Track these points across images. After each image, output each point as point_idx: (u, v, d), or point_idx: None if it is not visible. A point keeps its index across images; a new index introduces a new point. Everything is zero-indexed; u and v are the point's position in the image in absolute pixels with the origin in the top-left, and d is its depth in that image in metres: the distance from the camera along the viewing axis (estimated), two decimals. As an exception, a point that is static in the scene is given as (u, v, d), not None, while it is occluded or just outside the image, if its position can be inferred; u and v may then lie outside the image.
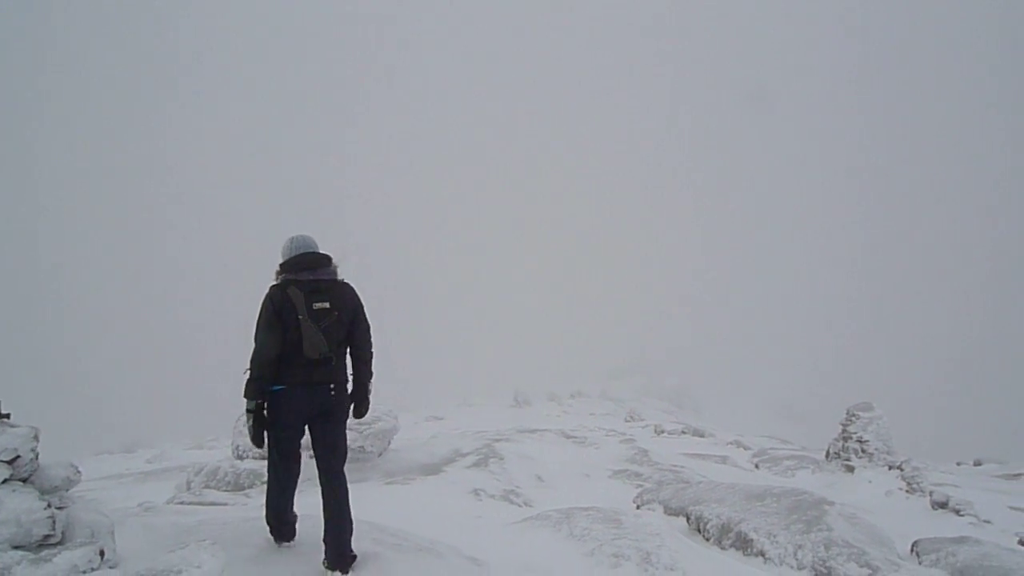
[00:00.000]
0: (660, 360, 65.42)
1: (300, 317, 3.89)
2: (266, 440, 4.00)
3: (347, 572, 3.89)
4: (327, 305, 4.00)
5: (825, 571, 5.35)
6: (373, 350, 4.29)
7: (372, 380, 4.28)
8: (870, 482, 10.12)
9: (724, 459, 12.76)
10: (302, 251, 4.12)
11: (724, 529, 6.21)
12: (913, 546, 6.02)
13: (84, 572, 3.13)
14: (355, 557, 3.98)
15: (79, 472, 3.62)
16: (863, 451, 11.11)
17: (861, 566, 5.31)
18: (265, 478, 4.85)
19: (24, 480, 3.33)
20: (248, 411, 3.91)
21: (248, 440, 8.79)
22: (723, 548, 6.04)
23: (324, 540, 3.96)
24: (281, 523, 4.22)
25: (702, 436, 17.74)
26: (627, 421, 25.65)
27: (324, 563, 3.92)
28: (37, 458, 3.42)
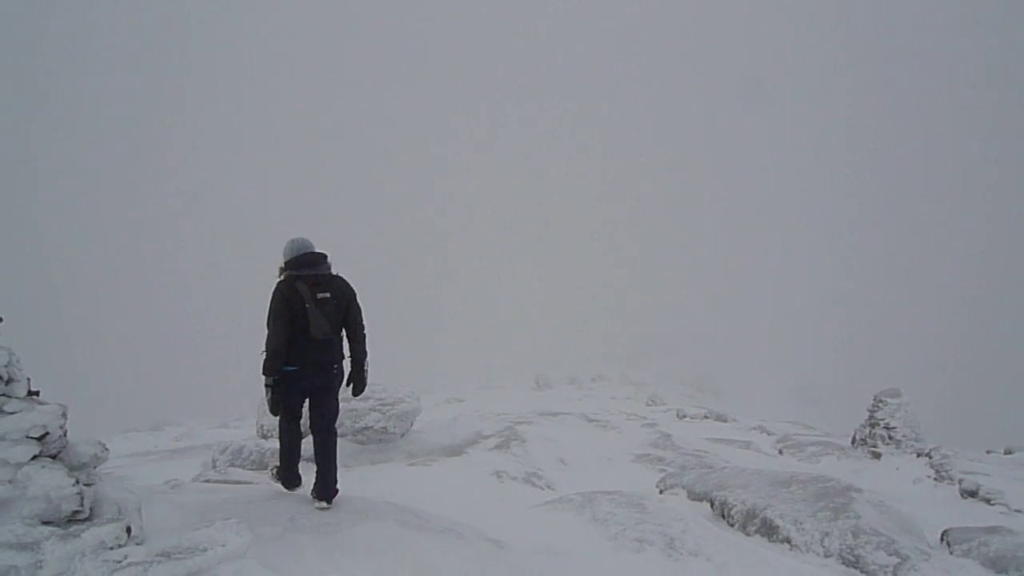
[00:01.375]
0: (681, 344, 65.05)
1: (307, 306, 4.76)
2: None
3: (330, 502, 4.86)
4: (328, 295, 4.90)
5: (853, 559, 5.26)
6: (366, 331, 5.19)
7: (367, 359, 5.19)
8: (898, 469, 9.97)
9: (747, 444, 12.65)
10: (304, 251, 4.99)
11: (749, 515, 6.14)
12: (943, 535, 5.90)
13: (111, 548, 3.16)
14: (337, 491, 4.96)
15: (106, 449, 3.65)
16: (890, 438, 10.95)
17: (890, 555, 5.22)
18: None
19: (53, 457, 3.36)
20: (267, 386, 4.77)
21: (271, 421, 8.91)
22: (748, 534, 5.98)
23: (315, 479, 4.95)
24: (292, 474, 5.25)
25: (724, 421, 17.62)
26: (648, 405, 25.57)
27: (312, 494, 4.92)
28: (65, 435, 3.45)
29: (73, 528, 3.16)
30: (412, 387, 10.74)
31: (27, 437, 3.23)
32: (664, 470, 9.32)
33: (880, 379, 14.85)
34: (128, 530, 3.32)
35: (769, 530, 5.85)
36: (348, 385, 5.17)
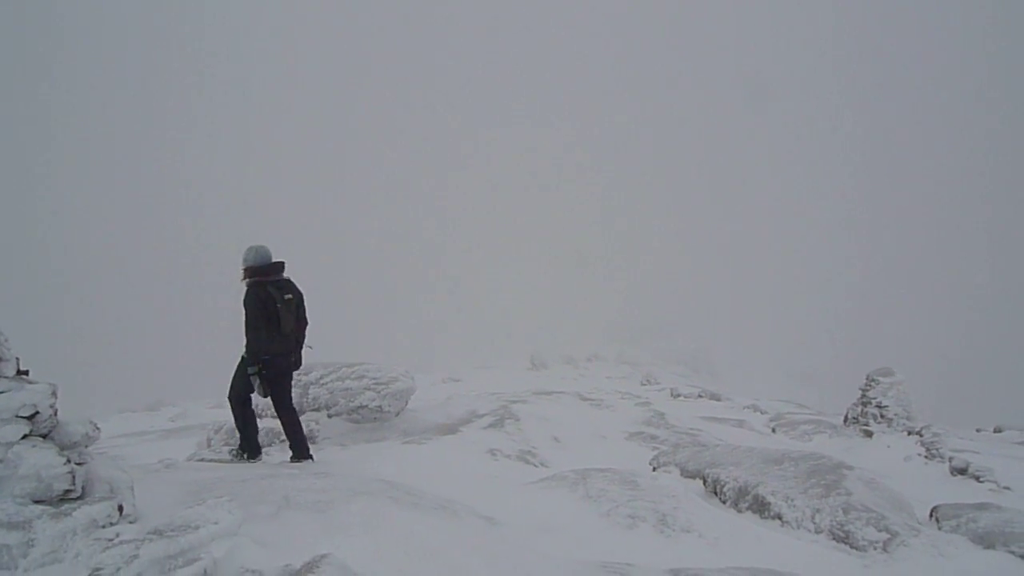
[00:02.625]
0: (677, 325, 65.22)
1: (279, 306, 5.99)
2: (255, 388, 6.06)
3: (306, 458, 6.37)
4: (290, 296, 6.17)
5: (843, 535, 5.32)
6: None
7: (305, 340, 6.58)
8: (889, 447, 10.05)
9: (741, 423, 12.73)
10: (268, 260, 6.15)
11: (741, 492, 6.18)
12: (932, 511, 5.95)
13: (103, 526, 3.17)
14: (308, 449, 6.53)
15: (98, 429, 3.64)
16: (882, 416, 11.02)
17: (880, 530, 5.27)
18: (283, 436, 7.96)
19: (44, 436, 3.35)
20: (253, 374, 5.95)
21: (265, 399, 9.03)
22: (740, 511, 6.03)
23: (290, 448, 6.52)
24: (254, 445, 6.51)
25: (718, 400, 17.70)
26: (643, 384, 25.69)
27: (291, 459, 6.42)
28: (56, 414, 3.43)
29: (65, 507, 3.16)
30: (407, 367, 10.76)
31: (16, 416, 3.21)
32: (657, 448, 9.38)
33: (873, 359, 14.92)
34: (120, 508, 3.32)
35: (761, 507, 5.90)
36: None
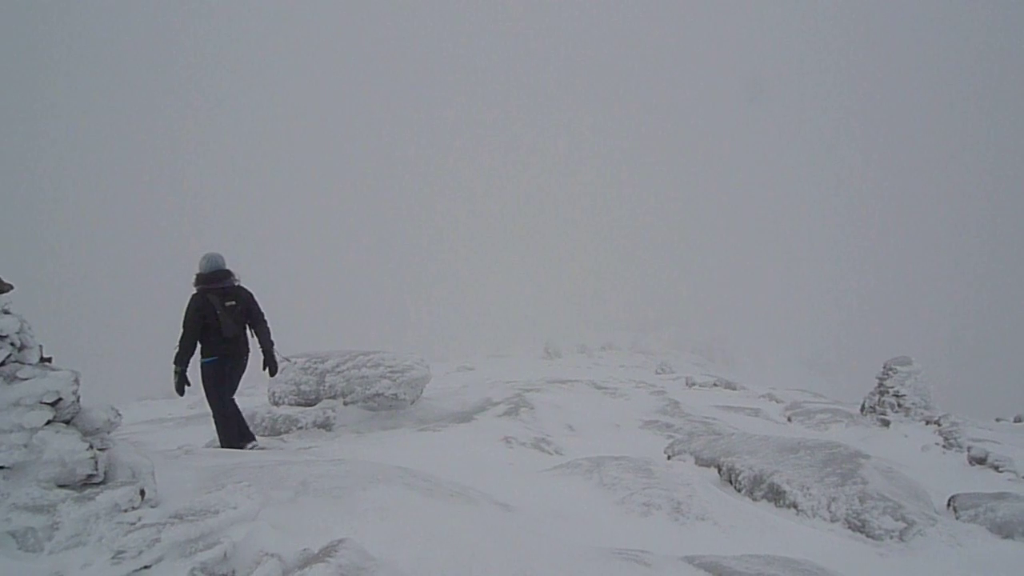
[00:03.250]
0: (692, 313, 64.98)
1: (218, 312, 6.42)
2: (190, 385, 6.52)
3: (236, 447, 6.67)
4: (234, 303, 6.59)
5: (859, 524, 5.30)
6: (269, 325, 6.90)
7: (274, 346, 6.91)
8: (906, 436, 9.98)
9: (756, 412, 12.68)
10: (215, 269, 6.60)
11: (756, 480, 6.17)
12: (950, 501, 5.92)
13: (125, 510, 3.22)
14: (238, 441, 6.82)
15: (119, 415, 3.69)
16: (899, 405, 10.95)
17: (896, 520, 5.25)
18: (300, 423, 8.63)
19: (67, 422, 3.40)
20: (176, 372, 6.34)
21: (283, 388, 9.13)
22: (755, 499, 6.02)
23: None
24: (246, 431, 6.95)
25: (734, 389, 17.64)
26: (658, 373, 25.63)
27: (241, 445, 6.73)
28: (78, 400, 3.49)
29: (88, 491, 3.22)
30: (423, 355, 10.81)
31: (40, 403, 3.27)
32: (672, 436, 9.37)
33: (890, 348, 14.80)
34: (142, 493, 3.38)
35: (776, 495, 5.89)
36: (264, 369, 6.96)
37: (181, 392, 6.43)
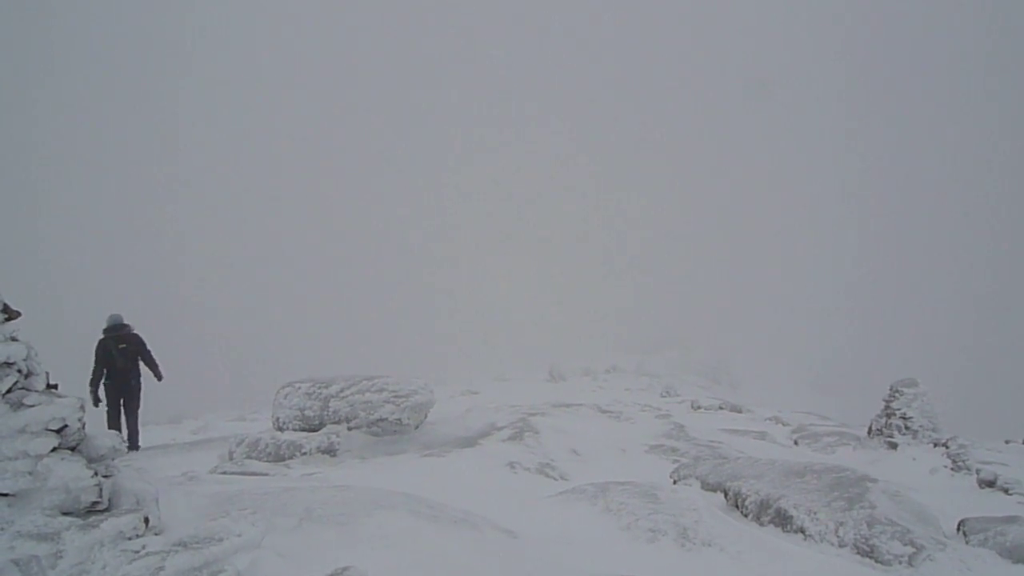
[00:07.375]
0: (697, 336, 64.67)
1: (113, 353, 9.73)
2: (103, 401, 9.89)
3: (137, 450, 9.94)
4: (125, 345, 9.88)
5: (868, 549, 5.24)
6: (156, 359, 10.24)
7: (160, 368, 10.29)
8: (914, 459, 9.89)
9: (762, 435, 12.59)
10: (113, 324, 9.91)
11: (763, 505, 6.12)
12: (960, 525, 5.85)
13: (130, 538, 3.22)
14: (139, 446, 10.24)
15: (124, 442, 3.71)
16: (907, 428, 10.86)
17: (905, 544, 5.19)
18: (304, 449, 9.13)
19: (72, 449, 3.42)
20: (90, 393, 9.62)
21: (287, 414, 9.19)
22: (762, 524, 5.96)
23: (127, 438, 9.60)
24: (117, 428, 9.91)
25: (739, 412, 17.52)
26: (663, 396, 25.46)
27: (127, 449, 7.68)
28: (84, 428, 3.51)
29: (92, 519, 3.22)
30: (426, 379, 10.79)
31: (46, 430, 3.29)
32: (678, 461, 9.30)
33: (896, 369, 14.70)
34: (146, 520, 3.38)
35: (783, 520, 5.84)
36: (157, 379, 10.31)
37: (96, 404, 9.64)
